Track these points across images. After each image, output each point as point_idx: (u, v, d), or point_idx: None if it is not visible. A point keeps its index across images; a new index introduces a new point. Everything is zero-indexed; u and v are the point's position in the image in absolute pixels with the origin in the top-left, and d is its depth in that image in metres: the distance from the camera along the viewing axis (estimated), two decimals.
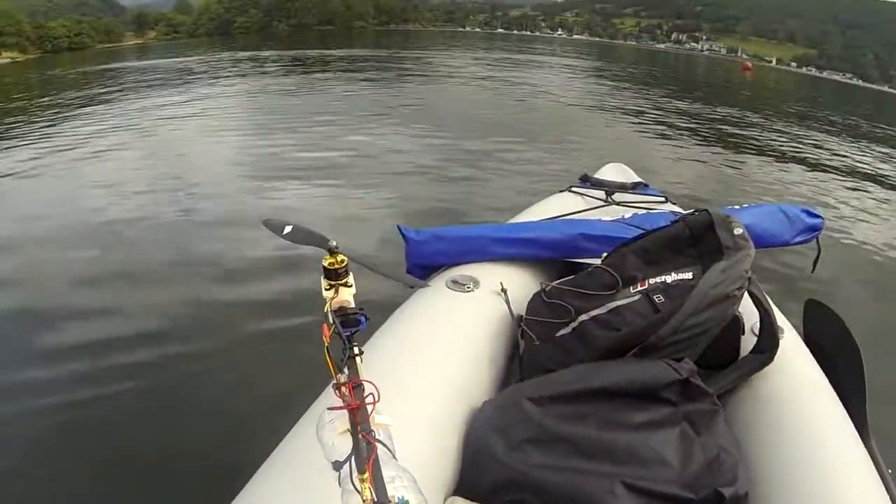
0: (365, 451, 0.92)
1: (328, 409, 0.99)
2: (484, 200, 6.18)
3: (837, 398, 1.75)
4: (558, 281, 2.02)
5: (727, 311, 1.66)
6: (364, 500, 0.83)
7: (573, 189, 3.44)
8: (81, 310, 3.94)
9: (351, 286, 1.30)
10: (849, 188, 8.93)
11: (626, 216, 2.70)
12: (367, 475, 0.87)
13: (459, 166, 7.60)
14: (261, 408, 2.76)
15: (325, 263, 1.29)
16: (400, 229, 2.37)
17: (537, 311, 1.91)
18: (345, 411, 0.97)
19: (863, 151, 13.05)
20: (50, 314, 3.86)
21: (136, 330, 3.63)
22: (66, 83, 25.08)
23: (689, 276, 1.75)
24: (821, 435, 1.54)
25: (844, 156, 12.04)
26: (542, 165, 7.84)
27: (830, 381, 1.84)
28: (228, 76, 22.21)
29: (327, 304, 1.26)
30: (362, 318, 1.25)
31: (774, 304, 2.10)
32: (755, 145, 11.88)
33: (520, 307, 1.99)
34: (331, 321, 1.22)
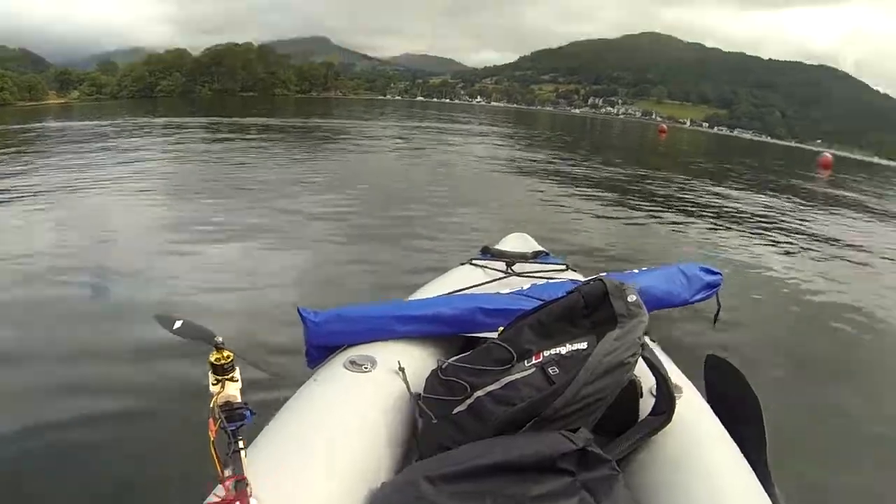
0: None
1: None
2: (391, 274, 6.19)
3: (739, 451, 1.78)
4: (455, 357, 2.03)
5: (622, 378, 1.68)
6: None
7: (474, 262, 3.47)
8: None
9: (237, 381, 1.38)
10: (753, 240, 9.51)
11: (525, 287, 2.73)
12: None
13: (369, 239, 7.59)
14: None
15: (212, 359, 1.35)
16: (299, 311, 2.35)
17: (434, 389, 1.90)
18: None
19: (765, 205, 13.89)
20: None
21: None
22: None
23: (583, 346, 1.76)
24: (722, 490, 1.56)
25: (747, 208, 12.90)
26: (451, 235, 7.89)
27: (733, 435, 1.87)
28: (149, 142, 22.01)
29: (213, 400, 1.27)
30: (247, 413, 1.28)
31: (674, 361, 2.14)
32: (665, 204, 12.42)
33: (418, 385, 1.98)
34: (217, 416, 1.22)
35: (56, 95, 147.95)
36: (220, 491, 1.06)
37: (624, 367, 1.67)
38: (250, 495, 1.02)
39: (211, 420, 1.26)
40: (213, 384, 1.34)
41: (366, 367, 2.05)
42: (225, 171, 13.73)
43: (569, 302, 1.93)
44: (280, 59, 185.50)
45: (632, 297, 1.84)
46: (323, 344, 2.29)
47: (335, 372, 2.05)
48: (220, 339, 1.37)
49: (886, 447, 3.52)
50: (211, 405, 1.30)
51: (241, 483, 1.07)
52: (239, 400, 1.34)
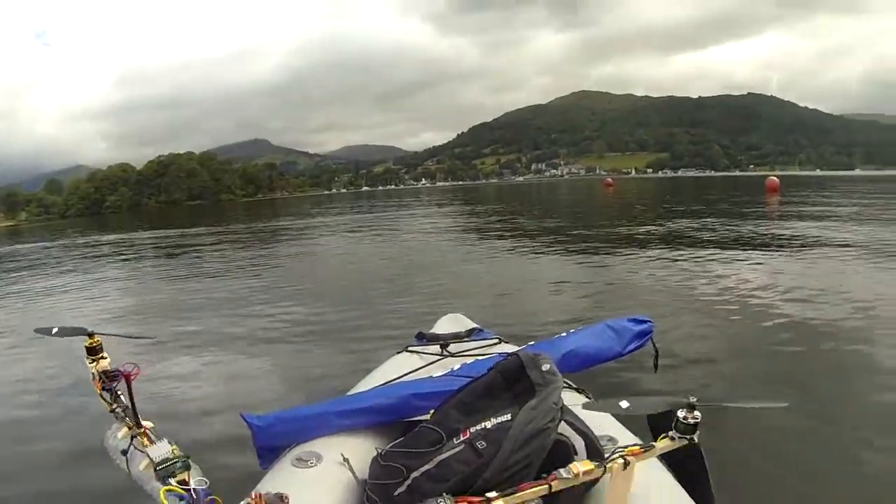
0: None
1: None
2: (333, 368, 6.29)
3: (685, 492, 1.89)
4: (392, 444, 2.13)
5: (545, 441, 1.80)
6: None
7: (409, 348, 3.55)
8: None
9: (107, 358, 2.02)
10: (702, 276, 9.76)
11: (456, 368, 2.85)
12: None
13: (314, 339, 7.66)
14: None
15: (86, 344, 1.99)
16: (243, 417, 2.44)
17: (376, 475, 1.99)
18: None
19: (719, 240, 14.11)
20: None
21: None
22: None
23: (507, 417, 1.86)
24: None
25: (697, 242, 13.09)
26: (392, 322, 7.98)
27: (678, 478, 1.97)
28: (98, 261, 21.98)
29: (93, 368, 1.95)
30: (118, 372, 1.94)
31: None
32: (615, 253, 12.83)
33: (363, 473, 2.08)
34: (99, 379, 1.94)
35: (4, 217, 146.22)
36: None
37: (545, 432, 1.80)
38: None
39: (96, 384, 1.90)
40: (91, 363, 1.95)
41: (311, 462, 2.15)
42: (171, 287, 13.74)
43: (488, 380, 2.08)
44: (222, 164, 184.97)
45: (545, 366, 1.97)
46: (271, 445, 2.38)
47: (284, 470, 2.16)
48: (90, 329, 2.00)
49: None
50: (93, 373, 1.91)
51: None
52: (111, 369, 1.97)
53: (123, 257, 23.23)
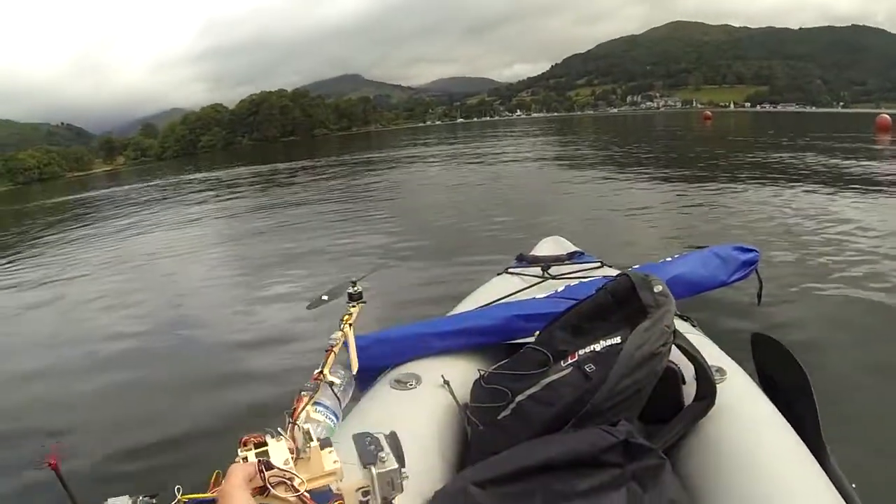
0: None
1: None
2: (435, 290, 6.32)
3: (791, 430, 1.76)
4: (495, 366, 2.07)
5: (657, 367, 1.70)
6: None
7: (510, 270, 3.50)
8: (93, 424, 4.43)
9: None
10: (811, 209, 9.15)
11: (560, 290, 2.77)
12: None
13: (416, 263, 7.76)
14: None
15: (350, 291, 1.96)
16: None
17: (479, 398, 1.95)
18: None
19: (829, 174, 13.17)
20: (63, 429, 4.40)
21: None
22: (37, 215, 25.49)
23: (617, 340, 1.78)
24: (774, 469, 1.53)
25: (802, 177, 12.47)
26: (496, 246, 7.91)
27: (784, 412, 1.86)
28: (198, 197, 22.50)
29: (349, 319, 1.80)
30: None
31: (722, 343, 2.14)
32: (714, 186, 12.15)
33: (464, 396, 2.03)
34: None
35: (103, 163, 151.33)
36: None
37: (657, 356, 1.70)
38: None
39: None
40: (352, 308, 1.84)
41: (410, 384, 2.11)
42: (273, 217, 14.00)
43: (598, 300, 1.98)
44: (315, 100, 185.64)
45: (658, 288, 1.86)
46: (369, 367, 2.34)
47: (383, 391, 2.12)
48: (354, 278, 1.93)
49: None
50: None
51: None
52: None
53: (216, 192, 23.71)
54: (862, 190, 10.53)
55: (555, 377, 1.78)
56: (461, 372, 2.21)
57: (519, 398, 1.80)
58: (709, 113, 65.99)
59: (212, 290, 8.10)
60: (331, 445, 1.08)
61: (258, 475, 0.95)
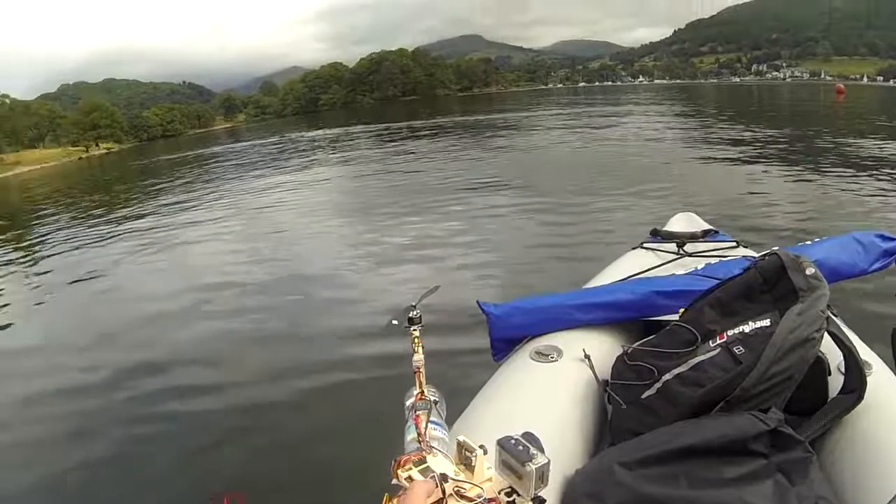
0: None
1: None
2: (565, 262, 6.24)
3: None
4: (639, 342, 2.02)
5: (808, 354, 1.63)
6: None
7: (645, 245, 3.45)
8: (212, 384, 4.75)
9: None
10: None
11: (699, 267, 2.71)
12: None
13: (547, 230, 7.73)
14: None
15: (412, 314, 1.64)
16: (480, 305, 2.41)
17: (621, 375, 1.92)
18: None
19: None
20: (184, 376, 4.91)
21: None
22: (161, 170, 26.65)
23: (766, 322, 1.73)
24: None
25: None
26: (626, 219, 7.78)
27: None
28: (319, 155, 23.00)
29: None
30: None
31: (859, 337, 2.04)
32: (850, 169, 11.33)
33: (604, 372, 2.00)
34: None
35: (223, 120, 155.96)
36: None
37: (810, 342, 1.63)
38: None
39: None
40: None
41: (552, 357, 2.08)
42: (403, 176, 14.29)
43: (746, 279, 1.91)
44: (435, 60, 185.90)
45: (810, 270, 1.79)
46: (507, 337, 2.35)
47: (523, 363, 2.10)
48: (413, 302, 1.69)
49: None
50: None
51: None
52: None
53: (338, 149, 24.07)
54: None
55: (703, 357, 1.74)
56: (601, 346, 2.18)
57: (665, 377, 1.76)
58: (841, 86, 60.98)
59: (327, 249, 8.44)
60: (486, 453, 1.16)
61: (437, 489, 1.03)
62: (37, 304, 8.17)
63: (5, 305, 8.26)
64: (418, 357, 1.56)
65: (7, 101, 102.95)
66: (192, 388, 4.64)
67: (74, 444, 4.11)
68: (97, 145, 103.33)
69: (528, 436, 1.15)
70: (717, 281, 2.08)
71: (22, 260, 11.62)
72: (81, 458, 3.90)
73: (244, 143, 41.49)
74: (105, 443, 4.06)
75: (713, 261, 2.86)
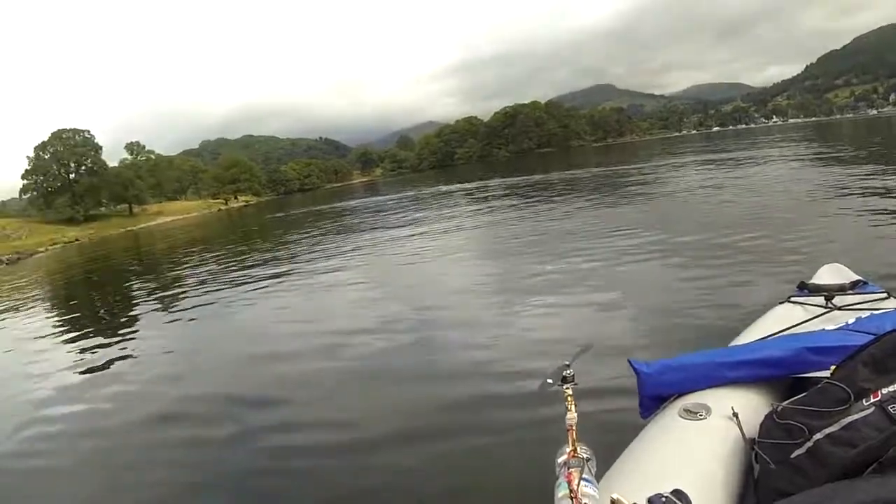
0: None
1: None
2: (715, 319, 6.05)
3: None
4: (789, 400, 1.97)
5: None
6: None
7: (791, 299, 3.36)
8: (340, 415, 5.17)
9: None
10: None
11: (850, 321, 2.63)
12: None
13: (694, 284, 7.52)
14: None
15: (566, 373, 1.90)
16: (631, 363, 2.42)
17: (770, 434, 1.88)
18: None
19: None
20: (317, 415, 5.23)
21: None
22: (298, 222, 27.70)
23: None
24: None
25: None
26: (771, 272, 7.47)
27: None
28: (456, 208, 23.42)
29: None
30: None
31: None
32: None
33: (751, 430, 1.97)
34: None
35: (360, 174, 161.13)
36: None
37: None
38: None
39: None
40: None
41: (700, 415, 2.07)
42: (537, 227, 14.45)
43: None
44: (569, 111, 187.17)
45: None
46: (656, 394, 2.36)
47: (671, 420, 2.10)
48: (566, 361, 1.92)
49: None
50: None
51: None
52: None
53: (474, 201, 24.42)
54: None
55: (856, 416, 1.68)
56: (750, 404, 2.15)
57: (816, 437, 1.71)
58: None
59: (456, 298, 8.64)
60: None
61: None
62: (175, 336, 8.92)
63: (141, 339, 9.02)
64: (571, 415, 1.62)
65: (153, 156, 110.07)
66: (323, 446, 4.67)
67: (193, 492, 4.27)
68: (236, 198, 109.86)
69: (678, 493, 1.17)
70: (870, 336, 2.02)
71: (163, 297, 12.38)
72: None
73: (381, 197, 42.61)
74: (226, 494, 4.20)
75: (864, 314, 2.77)
